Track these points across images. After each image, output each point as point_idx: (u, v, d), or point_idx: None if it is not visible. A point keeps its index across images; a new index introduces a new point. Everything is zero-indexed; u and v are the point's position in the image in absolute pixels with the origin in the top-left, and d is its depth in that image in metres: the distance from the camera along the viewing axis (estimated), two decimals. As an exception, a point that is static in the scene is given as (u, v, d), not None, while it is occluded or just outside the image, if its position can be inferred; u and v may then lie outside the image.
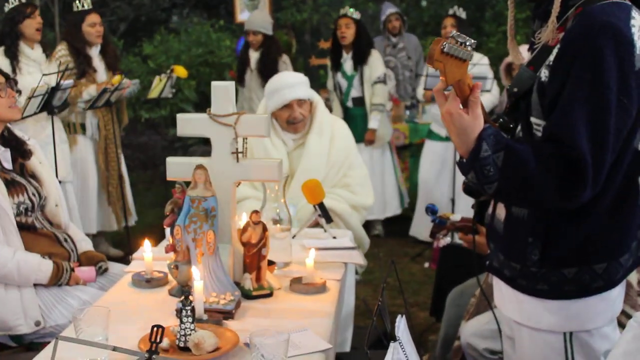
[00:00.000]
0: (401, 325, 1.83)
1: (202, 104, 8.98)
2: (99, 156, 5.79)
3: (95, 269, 3.19)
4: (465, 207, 6.01)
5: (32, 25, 5.30)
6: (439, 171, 6.33)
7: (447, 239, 2.96)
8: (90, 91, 5.49)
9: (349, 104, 6.45)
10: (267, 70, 6.15)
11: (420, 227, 6.41)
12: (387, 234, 6.81)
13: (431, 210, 2.96)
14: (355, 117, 6.35)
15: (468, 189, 2.05)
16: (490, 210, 2.10)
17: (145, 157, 9.82)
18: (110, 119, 5.72)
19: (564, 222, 1.89)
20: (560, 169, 1.76)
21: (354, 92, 6.41)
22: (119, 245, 6.27)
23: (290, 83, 3.78)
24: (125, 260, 5.22)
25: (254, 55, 6.54)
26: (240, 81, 6.62)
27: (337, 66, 6.45)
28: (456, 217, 2.93)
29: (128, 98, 6.13)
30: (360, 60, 6.33)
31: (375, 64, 6.35)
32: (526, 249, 1.93)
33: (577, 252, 1.90)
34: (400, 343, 1.73)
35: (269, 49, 6.42)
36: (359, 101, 6.40)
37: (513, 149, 1.78)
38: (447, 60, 1.72)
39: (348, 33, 6.33)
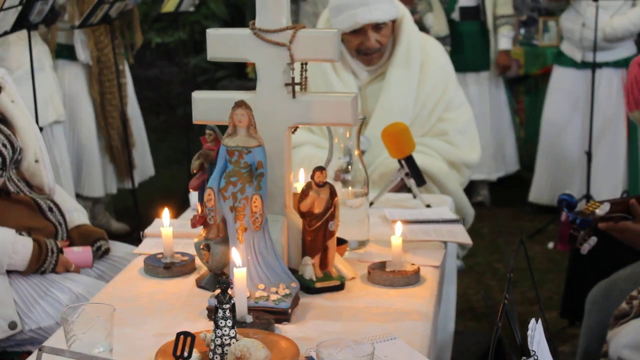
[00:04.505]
0: (536, 334, 1.77)
1: (235, 22, 8.98)
2: (93, 86, 5.90)
3: (93, 249, 3.22)
4: (604, 163, 5.97)
5: None
6: (570, 112, 6.35)
7: (593, 241, 2.85)
8: None
9: (455, 16, 6.47)
10: None
11: (543, 190, 6.48)
12: (495, 202, 6.81)
13: (567, 203, 2.84)
14: (467, 35, 6.31)
15: None
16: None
17: (157, 96, 9.95)
18: (107, 37, 5.80)
19: None
20: None
21: (465, 0, 6.38)
22: (123, 216, 6.30)
23: None
24: (132, 237, 5.24)
25: None
26: None
27: None
28: (604, 207, 2.81)
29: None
30: None
31: None
32: None
33: None
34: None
35: None
36: (473, 13, 6.43)
37: None
38: None
39: None
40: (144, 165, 6.40)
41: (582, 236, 2.87)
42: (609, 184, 6.25)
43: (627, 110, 3.08)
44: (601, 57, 6.10)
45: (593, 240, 2.89)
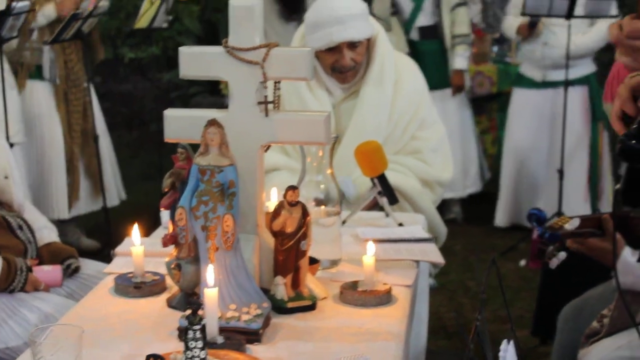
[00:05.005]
0: (508, 355, 1.80)
1: (209, 38, 8.97)
2: (59, 106, 5.82)
3: (62, 268, 3.22)
4: (573, 181, 6.02)
5: None
6: (535, 133, 6.44)
7: (562, 255, 2.83)
8: (47, 12, 5.46)
9: (414, 35, 6.48)
10: None
11: (508, 212, 6.57)
12: (467, 219, 6.87)
13: (537, 218, 2.82)
14: (427, 54, 6.33)
15: (628, 150, 1.91)
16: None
17: (130, 112, 9.88)
18: (76, 54, 5.76)
19: None
20: None
21: (423, 19, 6.43)
22: (94, 233, 6.25)
23: (340, 17, 3.75)
24: (103, 255, 5.19)
25: None
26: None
27: None
28: (574, 221, 2.79)
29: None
30: None
31: None
32: None
33: None
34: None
35: None
36: (431, 32, 6.43)
37: None
38: None
39: None
40: (116, 187, 6.32)
41: (551, 251, 2.86)
42: (578, 201, 6.33)
43: (603, 99, 3.08)
44: (561, 75, 6.21)
45: (562, 255, 2.87)
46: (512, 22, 6.48)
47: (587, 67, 6.26)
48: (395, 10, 6.41)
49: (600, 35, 6.11)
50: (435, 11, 6.39)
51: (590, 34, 6.05)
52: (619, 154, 1.95)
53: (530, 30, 6.20)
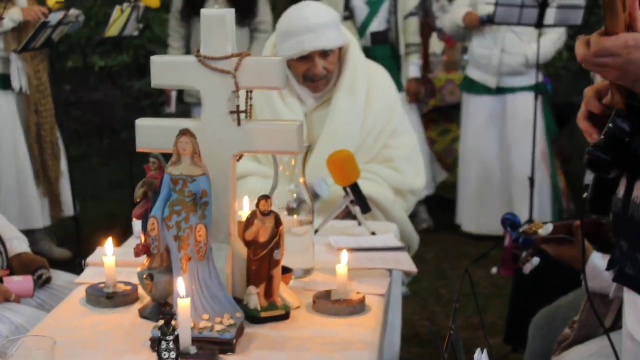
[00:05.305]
0: None
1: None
2: (29, 117, 5.73)
3: (33, 278, 3.19)
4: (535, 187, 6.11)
5: None
6: (489, 139, 6.56)
7: (535, 261, 2.85)
8: (13, 16, 5.40)
9: (366, 41, 6.46)
10: None
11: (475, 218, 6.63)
12: (438, 226, 6.91)
13: (511, 223, 2.83)
14: (377, 60, 6.33)
15: (595, 161, 1.93)
16: (620, 192, 2.03)
17: (100, 120, 9.86)
18: (43, 63, 5.72)
19: None
20: None
21: (375, 25, 6.44)
22: (65, 242, 6.22)
23: (312, 26, 3.75)
24: (74, 264, 5.17)
25: None
26: (193, 13, 6.45)
27: None
28: (547, 227, 2.81)
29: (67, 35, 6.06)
30: None
31: None
32: None
33: None
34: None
35: None
36: (382, 37, 6.44)
37: None
38: None
39: None
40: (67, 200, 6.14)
41: (525, 256, 2.88)
42: (543, 207, 6.45)
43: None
44: (516, 82, 6.35)
45: (536, 260, 2.89)
46: (453, 13, 6.52)
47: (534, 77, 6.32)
48: (348, 14, 6.40)
49: (555, 45, 6.27)
50: (389, 17, 6.40)
51: (545, 42, 6.10)
52: (587, 165, 1.97)
53: (481, 23, 6.24)
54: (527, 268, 2.88)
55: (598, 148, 1.92)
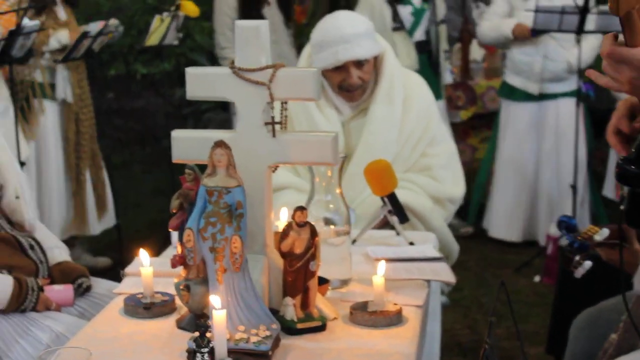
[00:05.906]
0: None
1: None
2: (69, 126, 5.76)
3: (74, 287, 3.20)
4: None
5: None
6: (533, 145, 6.50)
7: (588, 265, 2.82)
8: (60, 37, 5.47)
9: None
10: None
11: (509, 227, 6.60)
12: (479, 233, 6.86)
13: (566, 226, 2.82)
14: (422, 68, 6.35)
15: (625, 174, 1.92)
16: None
17: (143, 128, 9.91)
18: (85, 73, 5.77)
19: None
20: None
21: (419, 34, 6.48)
22: (107, 250, 6.24)
23: (346, 36, 3.75)
24: (116, 271, 5.19)
25: None
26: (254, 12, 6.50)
27: None
28: (604, 232, 2.80)
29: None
30: None
31: None
32: None
33: None
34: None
35: None
36: (423, 46, 6.48)
37: None
38: None
39: None
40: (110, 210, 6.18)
41: (578, 260, 2.86)
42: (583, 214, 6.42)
43: None
44: (558, 88, 6.30)
45: (588, 264, 2.87)
46: (498, 23, 6.46)
47: (575, 83, 6.27)
48: (398, 25, 6.40)
49: (595, 51, 6.21)
50: (429, 26, 6.42)
51: (585, 49, 6.05)
52: (616, 177, 1.96)
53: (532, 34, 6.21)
54: (579, 272, 2.87)
55: (628, 161, 1.91)
